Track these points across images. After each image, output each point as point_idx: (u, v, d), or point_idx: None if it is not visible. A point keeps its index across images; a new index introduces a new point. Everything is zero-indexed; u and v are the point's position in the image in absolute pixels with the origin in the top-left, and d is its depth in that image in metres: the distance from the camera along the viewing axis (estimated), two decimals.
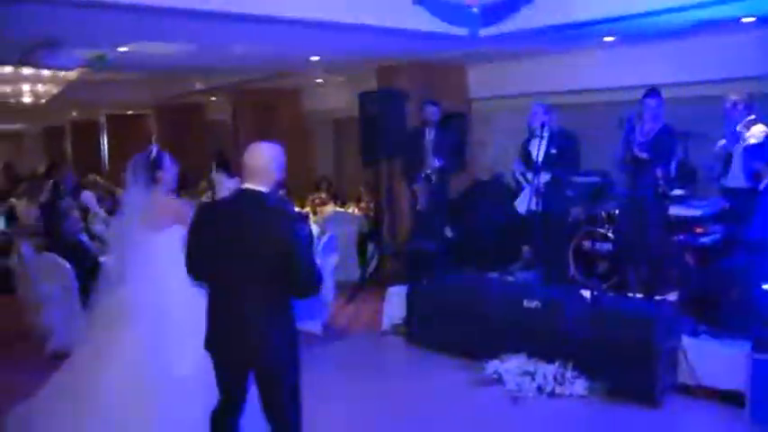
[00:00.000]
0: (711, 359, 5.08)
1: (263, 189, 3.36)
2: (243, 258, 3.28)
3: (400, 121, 8.03)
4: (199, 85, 11.78)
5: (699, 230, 5.65)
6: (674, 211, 5.80)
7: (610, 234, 6.75)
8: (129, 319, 4.16)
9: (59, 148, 20.68)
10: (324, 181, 11.56)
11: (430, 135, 7.41)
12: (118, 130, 17.86)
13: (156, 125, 15.90)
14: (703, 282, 5.51)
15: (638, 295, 6.04)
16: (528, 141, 6.59)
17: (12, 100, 10.05)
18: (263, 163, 3.38)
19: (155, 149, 4.35)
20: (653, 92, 5.79)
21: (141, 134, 17.35)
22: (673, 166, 5.90)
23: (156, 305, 4.13)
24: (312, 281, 3.34)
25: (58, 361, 6.29)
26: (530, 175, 6.32)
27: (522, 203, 6.42)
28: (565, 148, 6.41)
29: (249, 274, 3.28)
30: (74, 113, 17.79)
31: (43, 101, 10.09)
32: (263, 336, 3.32)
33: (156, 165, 4.26)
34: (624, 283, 6.36)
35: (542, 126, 6.27)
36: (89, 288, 6.27)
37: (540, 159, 6.24)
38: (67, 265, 6.29)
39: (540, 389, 5.30)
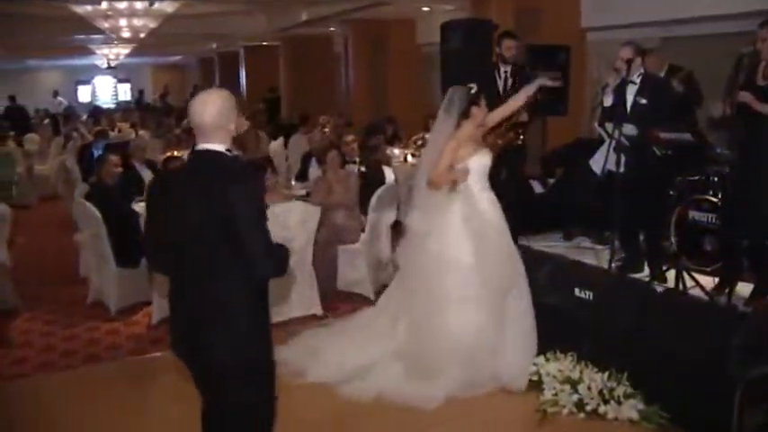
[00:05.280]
0: None
1: (217, 148, 2.74)
2: (198, 233, 2.68)
3: (486, 56, 6.82)
4: (305, 16, 11.08)
5: None
6: None
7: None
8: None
9: (211, 78, 21.25)
10: (432, 120, 10.50)
11: (506, 75, 6.17)
12: (254, 62, 17.84)
13: (284, 57, 15.55)
14: None
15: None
16: (618, 87, 5.19)
17: (112, 35, 9.96)
18: (208, 117, 2.72)
19: (475, 86, 4.51)
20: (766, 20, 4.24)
21: (276, 65, 17.16)
22: None
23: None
24: (265, 261, 2.65)
25: (95, 310, 6.25)
26: (610, 128, 4.96)
27: (598, 163, 5.10)
28: (660, 97, 5.00)
29: (206, 250, 2.68)
30: (214, 45, 17.94)
31: (142, 35, 9.91)
32: (220, 328, 2.68)
33: (474, 100, 4.43)
34: (733, 268, 4.94)
35: (628, 67, 4.88)
36: (120, 238, 6.03)
37: (626, 109, 4.92)
38: (96, 214, 5.96)
39: (579, 404, 4.19)
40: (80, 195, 6.63)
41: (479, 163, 4.56)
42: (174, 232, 2.77)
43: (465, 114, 4.44)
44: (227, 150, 2.76)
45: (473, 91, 4.47)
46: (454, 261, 4.46)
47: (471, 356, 4.38)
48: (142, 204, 6.55)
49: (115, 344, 5.54)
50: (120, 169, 6.38)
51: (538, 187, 6.93)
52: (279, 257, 2.73)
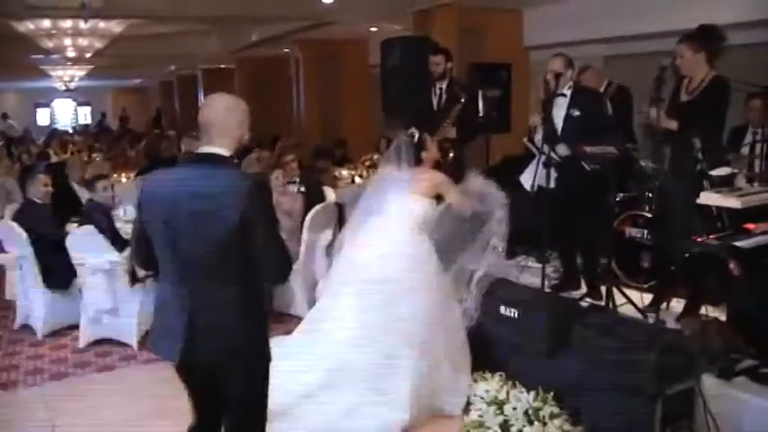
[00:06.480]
0: (751, 413, 3.66)
1: (222, 152, 2.68)
2: (199, 239, 2.58)
3: (423, 73, 6.76)
4: (255, 36, 11.00)
5: (749, 227, 4.02)
6: (709, 198, 4.16)
7: None
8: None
9: (170, 101, 21.06)
10: (384, 141, 10.44)
11: (441, 91, 6.11)
12: (213, 85, 17.67)
13: (239, 80, 15.43)
14: (753, 299, 3.97)
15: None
16: (547, 102, 5.17)
17: (57, 55, 9.78)
18: (220, 118, 2.68)
19: (416, 132, 4.49)
20: (685, 36, 4.23)
21: (233, 88, 17.02)
22: (724, 133, 4.31)
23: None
24: (283, 263, 2.72)
25: (22, 334, 6.01)
26: (539, 141, 4.90)
27: (528, 178, 5.04)
28: (592, 109, 4.97)
29: (209, 257, 2.59)
30: (171, 67, 17.77)
31: (88, 55, 9.74)
32: (233, 334, 2.66)
33: (421, 147, 4.42)
34: (666, 283, 4.90)
35: (557, 81, 4.83)
36: (49, 259, 5.83)
37: (559, 124, 4.88)
38: (22, 234, 5.75)
39: (504, 425, 4.07)
40: (9, 215, 6.42)
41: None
42: (171, 239, 2.62)
43: (418, 161, 4.45)
44: (231, 157, 2.70)
45: (416, 138, 4.48)
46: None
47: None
48: (74, 225, 6.38)
49: (37, 368, 5.32)
50: (49, 188, 6.17)
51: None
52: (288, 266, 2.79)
